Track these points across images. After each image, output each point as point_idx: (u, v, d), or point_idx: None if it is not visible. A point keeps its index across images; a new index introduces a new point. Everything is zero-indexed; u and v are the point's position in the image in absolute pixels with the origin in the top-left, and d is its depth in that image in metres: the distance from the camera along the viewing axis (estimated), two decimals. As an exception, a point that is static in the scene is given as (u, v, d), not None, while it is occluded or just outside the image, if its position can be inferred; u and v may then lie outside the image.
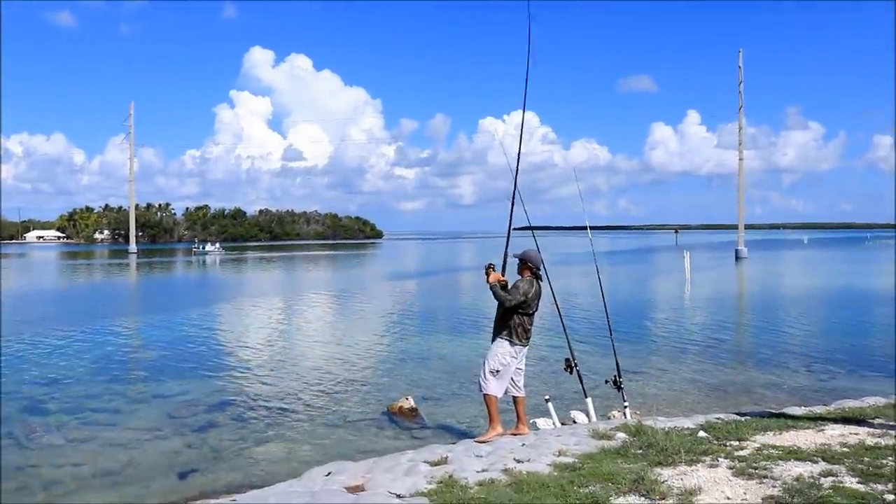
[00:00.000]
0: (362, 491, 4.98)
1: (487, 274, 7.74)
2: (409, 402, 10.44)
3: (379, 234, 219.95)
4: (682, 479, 4.79)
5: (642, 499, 4.51)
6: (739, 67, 67.74)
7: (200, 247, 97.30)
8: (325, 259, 76.90)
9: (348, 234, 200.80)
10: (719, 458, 5.34)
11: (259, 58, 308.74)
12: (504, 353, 7.59)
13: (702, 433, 6.18)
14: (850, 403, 8.02)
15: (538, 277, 7.83)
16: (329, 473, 5.71)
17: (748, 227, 71.40)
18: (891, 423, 6.46)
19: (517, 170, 8.65)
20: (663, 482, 4.72)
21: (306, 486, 5.23)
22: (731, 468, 5.10)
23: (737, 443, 5.81)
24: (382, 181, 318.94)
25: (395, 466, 5.68)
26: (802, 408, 8.01)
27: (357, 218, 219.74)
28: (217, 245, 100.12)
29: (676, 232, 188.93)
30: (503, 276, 7.80)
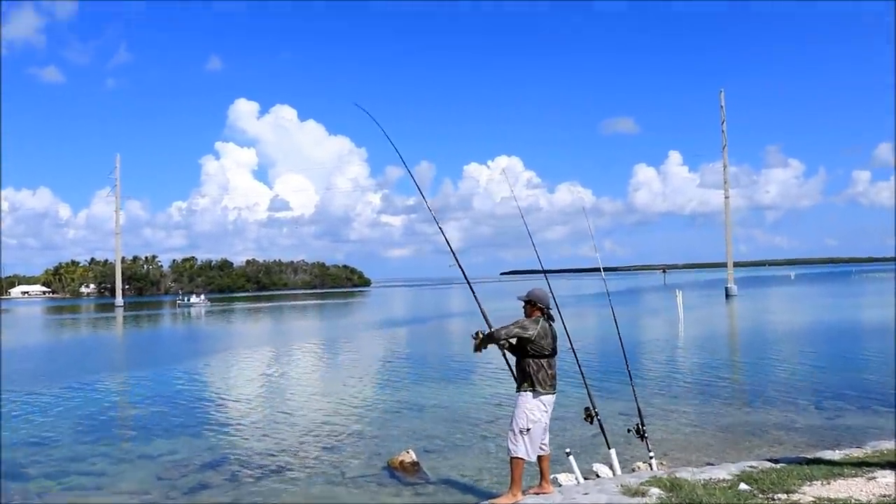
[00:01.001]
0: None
1: (475, 339, 7.14)
2: (411, 456, 9.93)
3: (367, 282, 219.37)
4: (739, 544, 4.31)
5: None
6: (721, 107, 68.66)
7: (185, 298, 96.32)
8: (314, 308, 76.12)
9: (336, 283, 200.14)
10: (773, 517, 4.85)
11: (244, 109, 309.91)
12: (531, 408, 6.85)
13: (743, 486, 5.68)
14: (887, 445, 7.58)
15: (549, 318, 7.18)
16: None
17: (735, 264, 71.38)
18: None
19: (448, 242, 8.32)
20: (719, 548, 4.23)
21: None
22: (789, 528, 4.61)
23: (785, 496, 5.33)
24: (369, 229, 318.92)
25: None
26: (837, 451, 7.56)
27: (345, 266, 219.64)
28: (202, 296, 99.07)
29: (664, 271, 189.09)
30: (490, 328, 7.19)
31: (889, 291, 55.55)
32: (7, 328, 55.10)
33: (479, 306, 7.63)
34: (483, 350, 7.23)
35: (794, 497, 5.32)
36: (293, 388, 18.55)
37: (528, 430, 6.82)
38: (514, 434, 6.86)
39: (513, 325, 6.94)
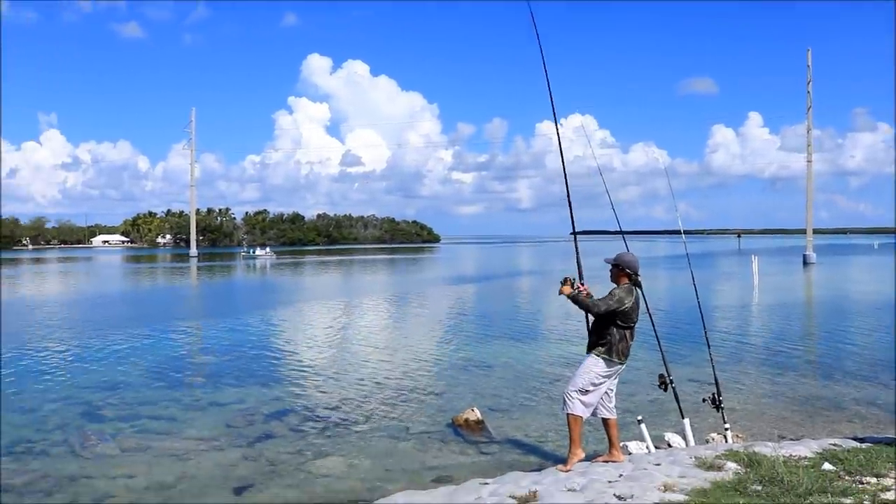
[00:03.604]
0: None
1: (564, 285, 6.79)
2: (476, 414, 9.82)
3: (436, 239, 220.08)
4: (827, 529, 4.01)
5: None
6: (808, 67, 65.34)
7: (250, 251, 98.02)
8: (382, 263, 76.87)
9: (406, 238, 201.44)
10: (864, 502, 4.49)
11: (317, 64, 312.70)
12: (597, 373, 6.64)
13: (827, 465, 5.32)
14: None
15: (637, 284, 6.83)
16: (400, 507, 5.04)
17: (814, 231, 68.66)
18: None
19: (565, 175, 7.93)
20: (806, 533, 3.94)
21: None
22: (884, 516, 4.27)
23: (875, 480, 4.95)
24: (440, 185, 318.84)
25: (477, 503, 4.98)
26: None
27: (414, 222, 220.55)
28: (267, 249, 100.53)
29: (739, 236, 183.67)
30: (583, 285, 6.87)
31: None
32: (89, 276, 57.46)
33: (577, 260, 7.29)
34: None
35: (886, 481, 4.94)
36: (360, 341, 18.69)
37: (588, 391, 6.65)
38: (571, 392, 6.67)
39: (610, 298, 6.62)
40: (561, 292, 6.78)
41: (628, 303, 6.63)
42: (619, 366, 6.73)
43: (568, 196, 7.87)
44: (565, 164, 8.08)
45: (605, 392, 6.81)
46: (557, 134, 8.14)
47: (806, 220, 67.53)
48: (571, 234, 7.68)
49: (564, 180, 7.93)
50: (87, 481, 7.73)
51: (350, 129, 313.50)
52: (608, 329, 6.65)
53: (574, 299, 6.72)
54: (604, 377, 6.68)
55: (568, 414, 6.70)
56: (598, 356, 6.67)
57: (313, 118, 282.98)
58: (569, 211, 7.84)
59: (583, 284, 6.86)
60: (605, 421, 6.89)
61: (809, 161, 66.07)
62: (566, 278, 6.81)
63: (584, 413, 6.71)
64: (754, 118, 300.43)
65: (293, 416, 10.50)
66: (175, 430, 9.80)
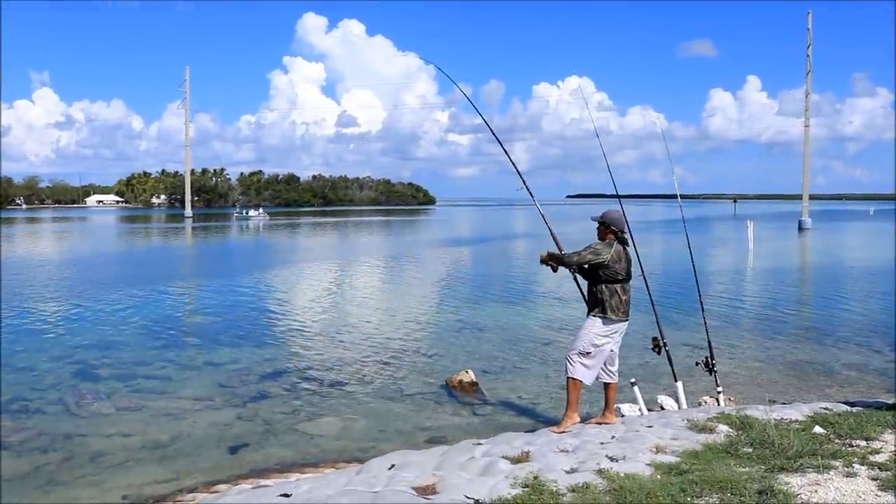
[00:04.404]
0: (434, 493, 4.30)
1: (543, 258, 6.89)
2: (470, 376, 9.87)
3: (432, 201, 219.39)
4: (816, 492, 4.01)
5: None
6: (808, 30, 64.43)
7: (243, 212, 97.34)
8: (377, 224, 76.77)
9: (401, 200, 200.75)
10: (854, 464, 4.53)
11: (312, 24, 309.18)
12: (596, 333, 6.60)
13: (818, 429, 5.35)
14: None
15: (623, 242, 6.78)
16: (392, 467, 5.05)
17: (810, 197, 68.50)
18: None
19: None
20: (796, 495, 3.95)
21: (368, 483, 4.59)
22: (873, 479, 4.29)
23: (864, 443, 4.98)
24: (436, 147, 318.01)
25: (470, 462, 4.98)
26: (919, 397, 7.13)
27: (410, 184, 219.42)
28: (260, 210, 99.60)
29: (735, 201, 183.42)
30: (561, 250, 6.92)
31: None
32: (83, 235, 57.31)
33: (549, 228, 7.33)
34: (554, 270, 6.96)
35: (875, 444, 4.97)
36: (354, 303, 18.72)
37: (589, 353, 6.61)
38: (573, 354, 6.66)
39: (585, 250, 6.61)
40: (542, 261, 6.87)
41: (606, 255, 6.57)
42: (619, 323, 6.68)
43: (518, 173, 7.77)
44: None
45: (609, 355, 6.78)
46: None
47: (802, 185, 67.34)
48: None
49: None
50: (82, 439, 7.76)
51: (346, 89, 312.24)
52: (597, 287, 6.65)
53: (550, 257, 6.77)
54: (604, 336, 6.64)
55: (568, 377, 6.69)
56: (594, 316, 6.67)
57: (309, 78, 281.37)
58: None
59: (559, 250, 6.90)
60: (605, 384, 6.89)
61: (807, 126, 65.70)
62: (546, 253, 6.91)
63: (586, 378, 6.67)
64: (753, 82, 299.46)
65: (287, 376, 10.53)
66: (170, 390, 9.85)
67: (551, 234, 7.32)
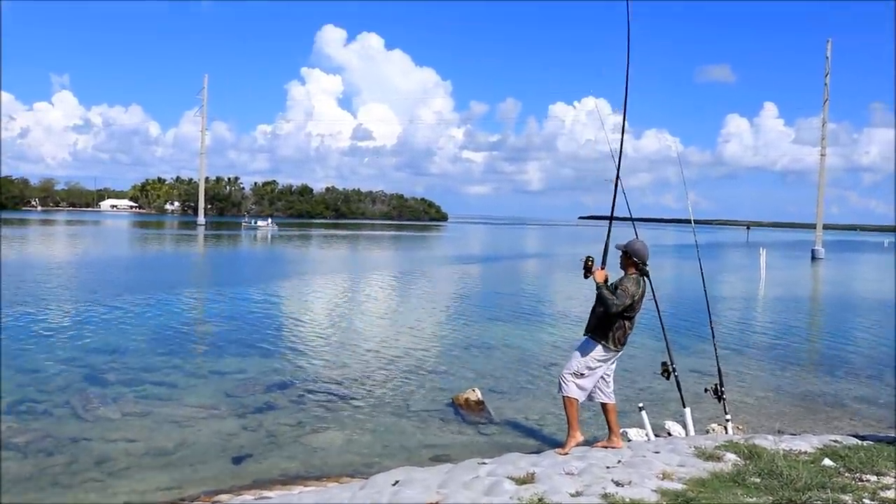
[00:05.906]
0: (438, 511, 4.30)
1: (588, 269, 6.58)
2: (476, 395, 9.83)
3: (444, 217, 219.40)
4: (825, 526, 3.97)
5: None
6: (827, 58, 64.24)
7: (252, 222, 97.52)
8: (389, 239, 76.80)
9: (413, 215, 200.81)
10: (864, 499, 4.46)
11: (331, 36, 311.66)
12: (594, 357, 6.65)
13: (827, 461, 5.30)
14: None
15: (645, 274, 6.74)
16: (397, 483, 5.03)
17: (824, 226, 68.11)
18: None
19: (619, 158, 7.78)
20: (804, 528, 3.91)
21: (371, 499, 4.56)
22: (883, 514, 4.24)
23: (875, 478, 4.92)
24: (450, 164, 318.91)
25: (474, 482, 4.95)
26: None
27: (423, 199, 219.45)
28: (269, 221, 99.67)
29: (748, 228, 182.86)
30: (603, 268, 6.70)
31: None
32: (96, 239, 57.62)
33: (606, 242, 7.03)
34: (585, 277, 6.71)
35: (886, 480, 4.91)
36: (363, 317, 18.71)
37: (583, 374, 6.67)
38: (567, 374, 6.71)
39: (623, 295, 6.46)
40: (594, 277, 6.57)
41: (636, 296, 6.59)
42: (616, 352, 6.74)
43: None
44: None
45: (602, 377, 6.83)
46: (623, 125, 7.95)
47: (816, 214, 66.99)
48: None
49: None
50: (87, 443, 7.79)
51: (362, 102, 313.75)
52: (613, 319, 6.61)
53: (601, 293, 6.54)
54: (599, 362, 6.70)
55: (563, 396, 6.75)
56: (596, 341, 6.68)
57: (326, 90, 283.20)
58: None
59: (602, 268, 6.73)
60: (603, 406, 6.92)
61: (823, 155, 65.39)
62: (588, 260, 6.63)
63: (580, 396, 6.73)
64: (769, 108, 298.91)
65: (293, 388, 10.52)
66: (176, 397, 9.85)
67: (605, 247, 6.99)
